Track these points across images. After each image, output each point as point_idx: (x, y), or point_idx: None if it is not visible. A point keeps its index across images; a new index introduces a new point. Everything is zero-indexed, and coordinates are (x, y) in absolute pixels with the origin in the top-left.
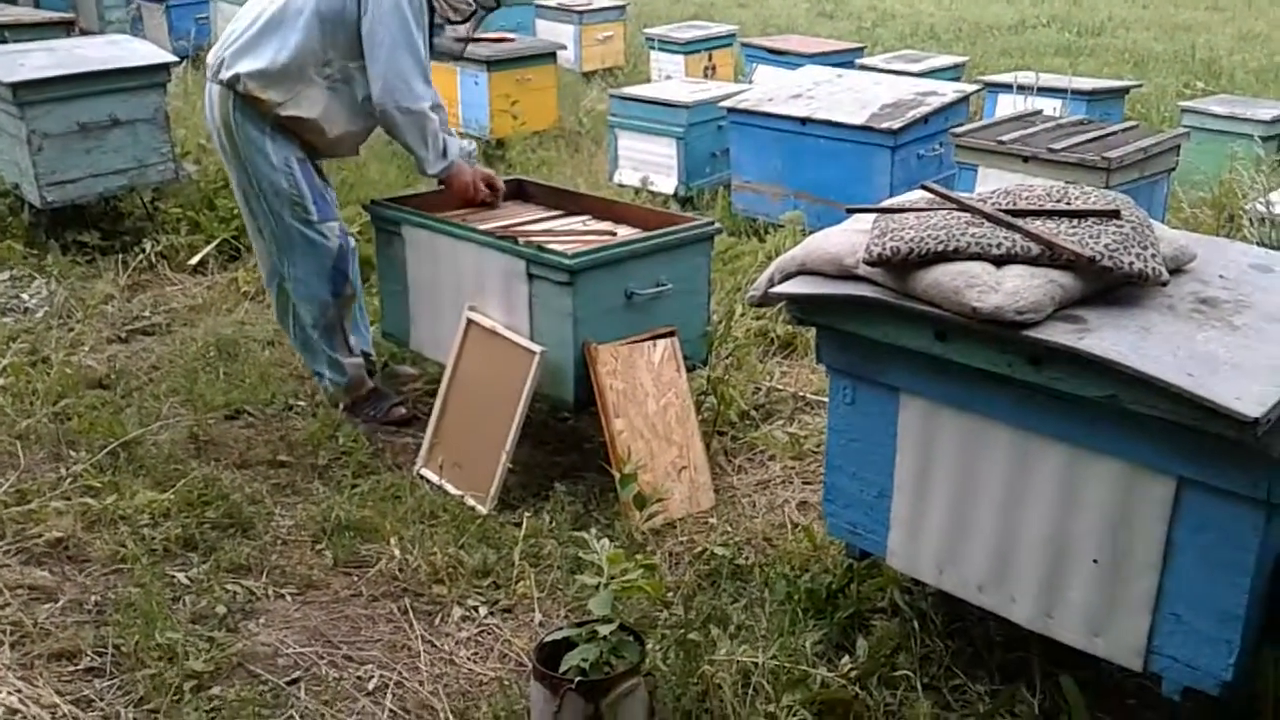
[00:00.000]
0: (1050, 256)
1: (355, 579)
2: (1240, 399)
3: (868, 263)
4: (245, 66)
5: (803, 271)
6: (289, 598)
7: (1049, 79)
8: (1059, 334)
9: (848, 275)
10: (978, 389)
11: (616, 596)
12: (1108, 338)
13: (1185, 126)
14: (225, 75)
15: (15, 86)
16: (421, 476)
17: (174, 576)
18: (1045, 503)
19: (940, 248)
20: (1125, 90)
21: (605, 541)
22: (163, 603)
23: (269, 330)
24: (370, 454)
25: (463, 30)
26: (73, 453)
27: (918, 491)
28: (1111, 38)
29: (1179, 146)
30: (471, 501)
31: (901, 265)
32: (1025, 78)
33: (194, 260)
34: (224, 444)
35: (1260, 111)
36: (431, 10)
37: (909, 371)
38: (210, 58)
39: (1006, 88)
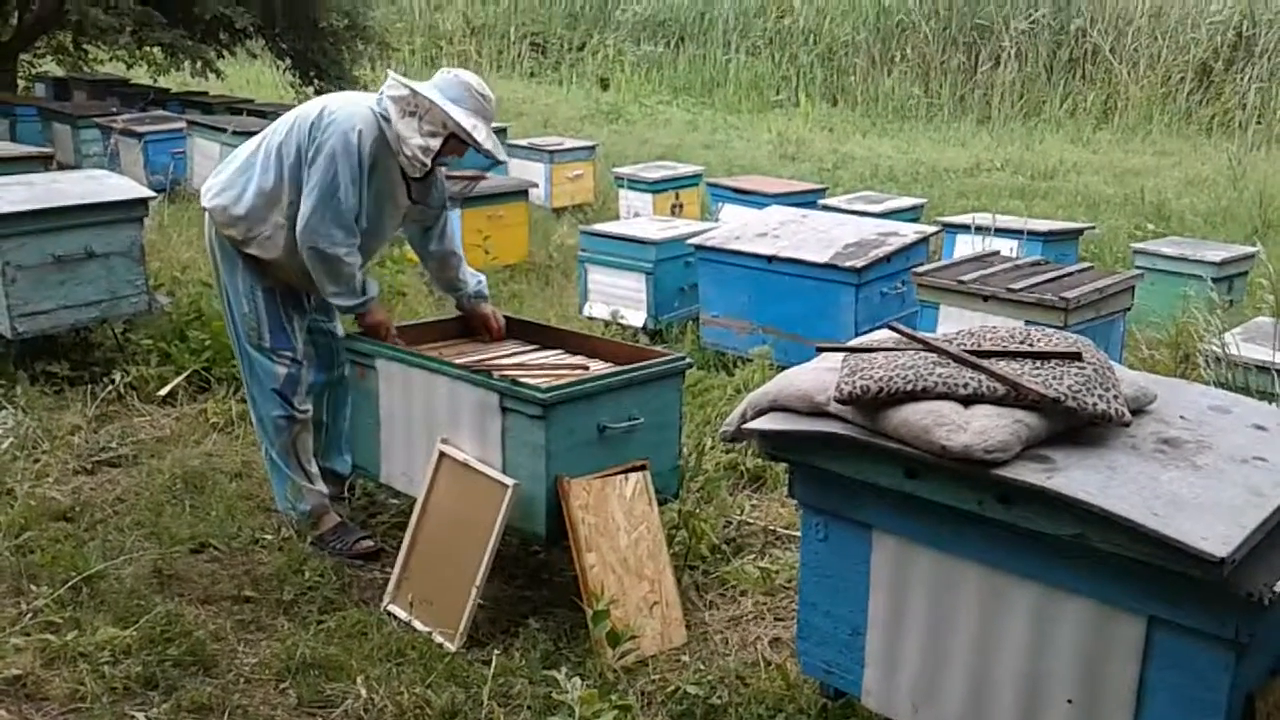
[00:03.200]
0: (1016, 397)
1: None
2: (1207, 539)
3: (838, 400)
4: (214, 201)
5: (775, 408)
6: None
7: (1005, 220)
8: (1027, 473)
9: (819, 412)
10: (949, 527)
11: None
12: (1075, 477)
13: (1138, 267)
14: (204, 203)
15: None
16: (389, 613)
17: (134, 717)
18: (1018, 641)
19: (909, 387)
20: (1079, 232)
21: (577, 680)
22: None
23: (237, 462)
24: (337, 589)
25: (456, 189)
26: (34, 587)
27: (892, 629)
28: (1064, 181)
29: (1134, 288)
30: (440, 639)
31: (871, 403)
32: (983, 219)
33: (163, 391)
34: (188, 579)
35: (1209, 253)
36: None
37: (881, 509)
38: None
39: (965, 229)
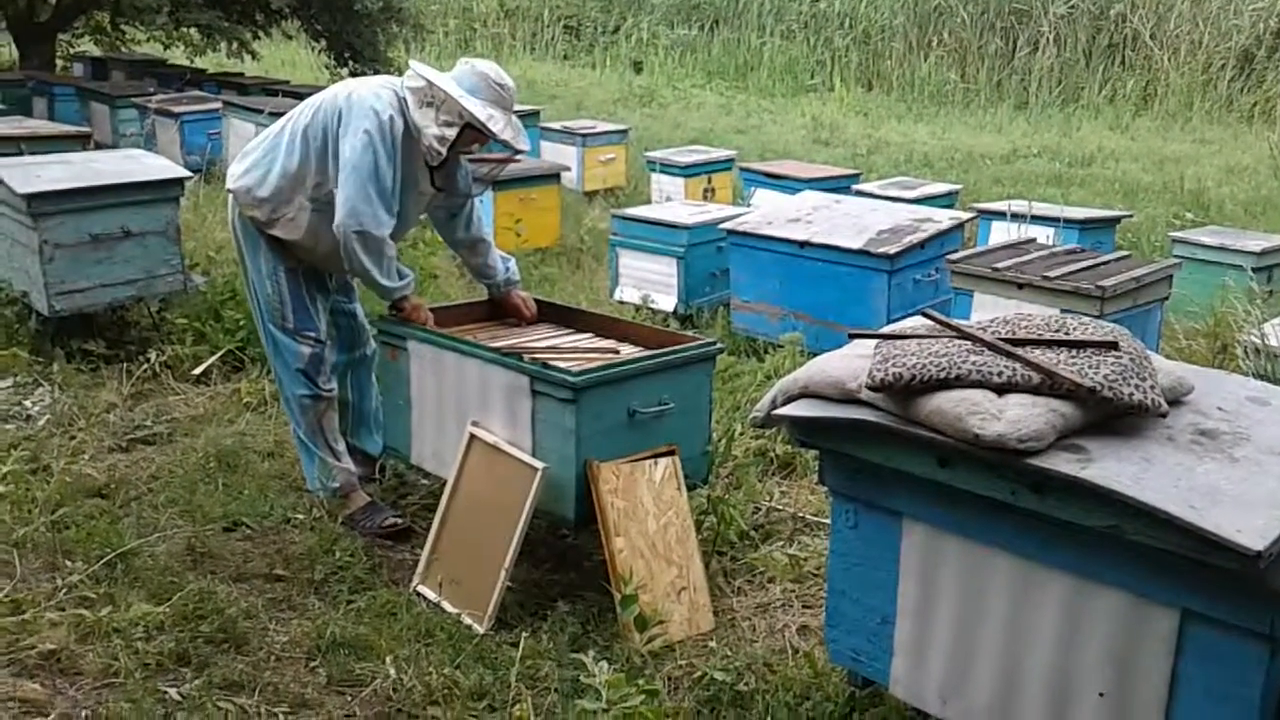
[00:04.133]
0: (1051, 386)
1: (349, 699)
2: (1242, 532)
3: (870, 388)
4: (239, 183)
5: (805, 394)
6: (282, 717)
7: (1041, 208)
8: (1061, 463)
9: (850, 399)
10: (980, 516)
11: None
12: (1110, 468)
13: (1176, 256)
14: (228, 185)
15: (30, 198)
16: (418, 593)
17: (166, 693)
18: (1049, 633)
19: (942, 375)
20: (1116, 220)
21: (604, 664)
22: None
23: (269, 442)
24: (368, 569)
25: (483, 172)
26: (69, 562)
27: (921, 618)
28: (1101, 168)
29: (1171, 277)
30: (468, 620)
31: (904, 391)
32: (1018, 206)
33: (198, 370)
34: (221, 557)
35: (1250, 243)
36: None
37: (912, 497)
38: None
39: (1000, 215)
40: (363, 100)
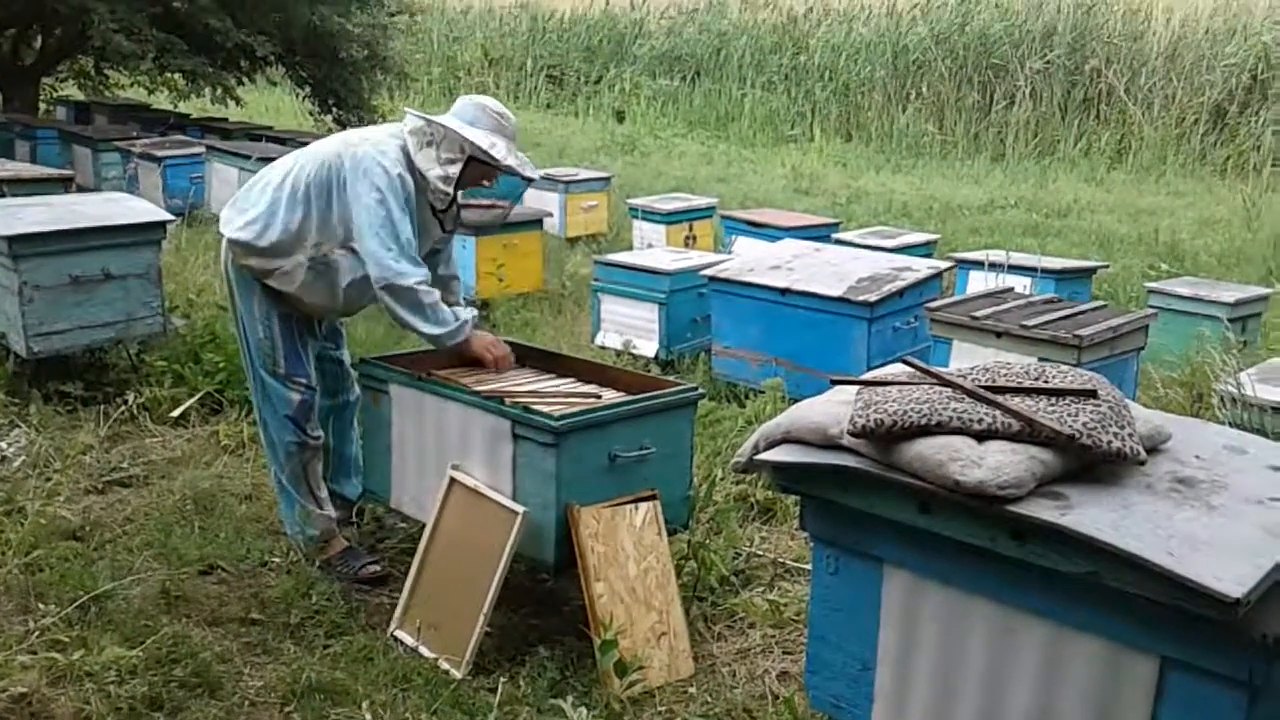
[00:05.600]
0: (1030, 433)
1: None
2: (1221, 579)
3: (852, 433)
4: (237, 233)
5: (788, 439)
6: None
7: (1019, 258)
8: (1041, 510)
9: (832, 445)
10: (961, 562)
11: None
12: (1089, 515)
13: (1152, 307)
14: (225, 233)
15: (11, 240)
16: (395, 638)
17: None
18: (1029, 680)
19: (924, 421)
20: (1092, 270)
21: (583, 710)
22: None
23: (247, 484)
24: (344, 613)
25: (489, 217)
26: (42, 605)
27: (902, 664)
28: (1077, 220)
29: (1147, 327)
30: (446, 665)
31: (885, 437)
32: (996, 256)
33: (176, 413)
34: (196, 600)
35: (1224, 294)
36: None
37: (893, 543)
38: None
39: (978, 265)
40: (368, 158)
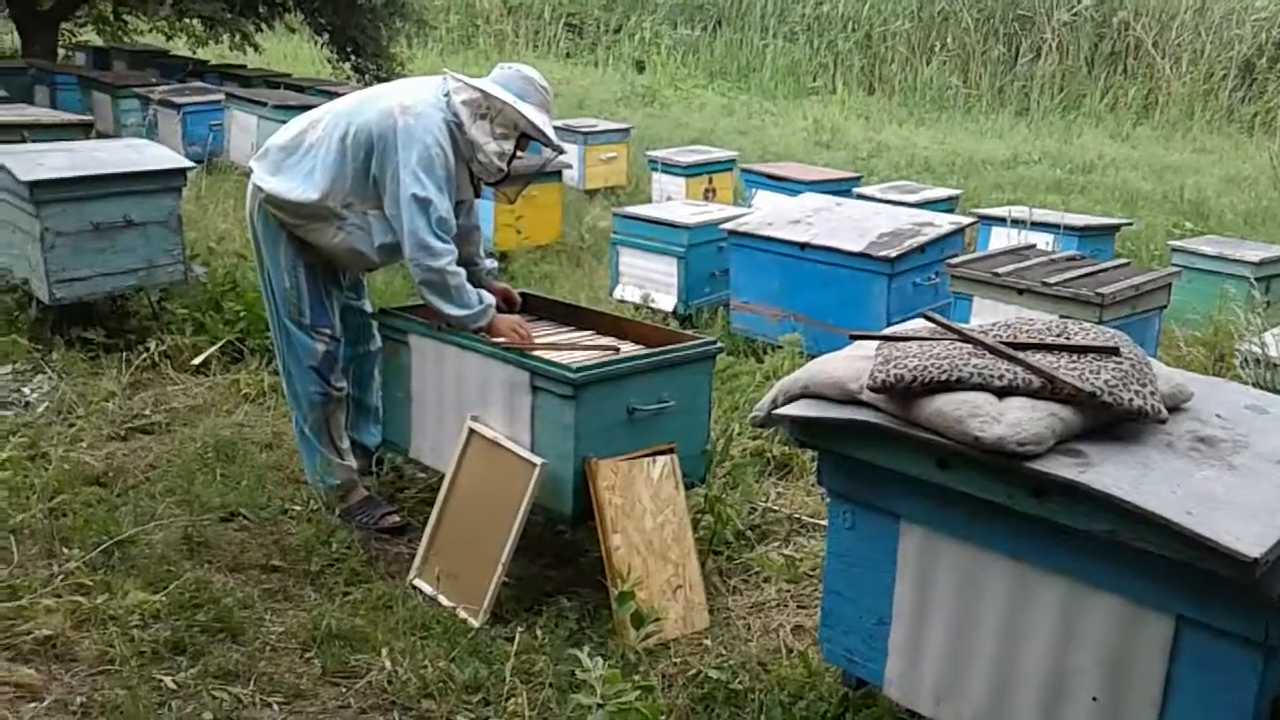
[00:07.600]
0: (1051, 390)
1: (344, 690)
2: (1239, 539)
3: (872, 389)
4: (269, 185)
5: (806, 394)
6: (276, 707)
7: (1042, 214)
8: (1060, 467)
9: (851, 400)
10: (978, 518)
11: (612, 718)
12: (1108, 473)
13: (1175, 265)
14: (256, 181)
15: (32, 185)
16: (415, 587)
17: (161, 680)
18: (1044, 636)
19: (944, 377)
20: (1116, 228)
21: (599, 660)
22: (149, 707)
23: (268, 433)
24: (364, 562)
25: (511, 190)
26: (66, 549)
27: (917, 620)
28: (1102, 176)
29: (1170, 285)
30: (464, 614)
31: (905, 393)
32: (1019, 212)
33: (197, 361)
34: (218, 546)
35: (1249, 253)
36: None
37: (910, 498)
38: (258, 151)
39: (1000, 221)
40: (415, 131)
